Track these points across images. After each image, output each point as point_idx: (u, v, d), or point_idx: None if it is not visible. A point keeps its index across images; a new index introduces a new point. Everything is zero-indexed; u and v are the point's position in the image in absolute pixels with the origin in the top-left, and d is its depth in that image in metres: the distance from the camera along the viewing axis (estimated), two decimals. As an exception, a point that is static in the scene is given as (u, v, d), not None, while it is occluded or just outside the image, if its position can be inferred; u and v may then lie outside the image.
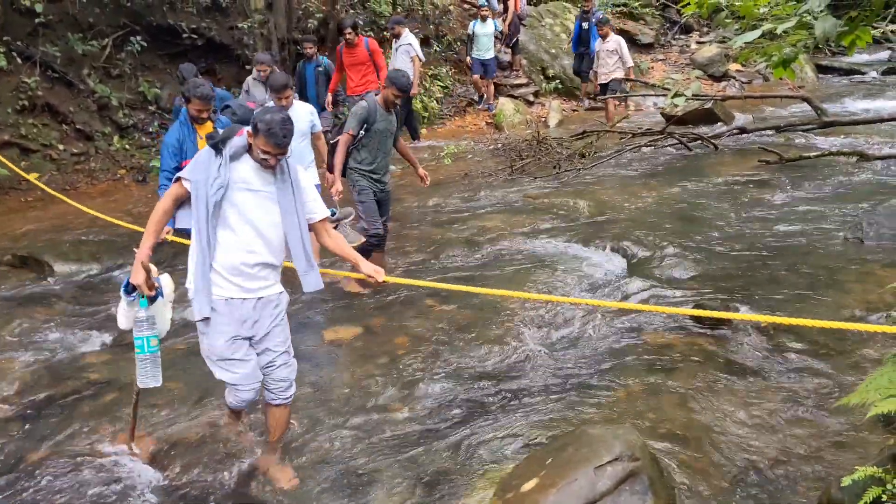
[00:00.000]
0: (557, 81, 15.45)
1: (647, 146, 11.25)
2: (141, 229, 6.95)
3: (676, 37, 19.37)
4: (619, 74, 12.43)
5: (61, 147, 10.83)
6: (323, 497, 3.80)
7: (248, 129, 3.61)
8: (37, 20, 10.72)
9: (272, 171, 3.68)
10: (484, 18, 13.74)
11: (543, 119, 14.07)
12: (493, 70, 14.36)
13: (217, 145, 3.60)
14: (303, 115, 6.44)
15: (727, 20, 4.24)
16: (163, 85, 12.00)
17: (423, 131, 13.48)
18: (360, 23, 11.26)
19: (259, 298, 3.77)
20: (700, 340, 5.14)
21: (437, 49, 15.09)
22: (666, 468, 3.61)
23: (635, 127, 12.39)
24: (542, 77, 15.52)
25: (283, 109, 6.17)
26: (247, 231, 3.67)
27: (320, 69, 10.33)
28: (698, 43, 18.65)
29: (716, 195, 8.68)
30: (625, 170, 10.32)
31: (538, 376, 4.82)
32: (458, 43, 15.53)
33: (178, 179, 3.66)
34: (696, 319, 5.37)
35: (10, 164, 9.42)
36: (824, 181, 8.98)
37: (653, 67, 17.21)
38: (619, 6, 18.36)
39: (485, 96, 14.53)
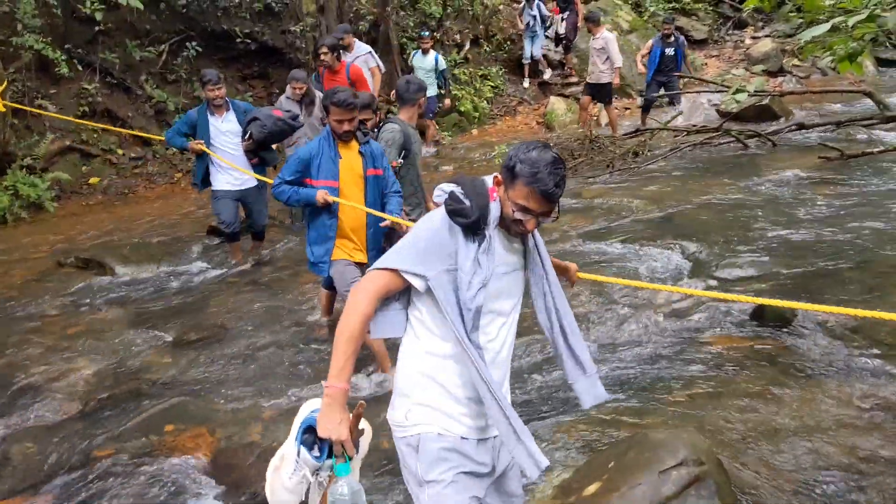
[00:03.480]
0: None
1: (702, 144, 11.06)
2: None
3: (730, 32, 19.01)
4: (608, 79, 11.72)
5: (120, 152, 11.07)
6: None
7: (495, 175, 2.43)
8: (96, 28, 10.98)
9: (521, 240, 2.52)
10: (425, 51, 11.80)
11: (595, 118, 13.93)
12: (433, 109, 12.20)
13: (478, 224, 2.32)
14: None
15: (791, 13, 4.11)
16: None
17: (474, 131, 13.46)
18: (342, 43, 9.50)
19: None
20: (764, 342, 5.01)
21: (487, 49, 15.05)
22: (731, 474, 3.53)
23: (690, 124, 12.19)
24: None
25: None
26: (501, 334, 2.48)
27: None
28: (753, 38, 18.28)
29: (775, 193, 8.48)
30: (680, 168, 10.15)
31: (603, 376, 4.75)
32: (508, 42, 15.46)
33: (387, 271, 2.34)
34: (760, 321, 5.25)
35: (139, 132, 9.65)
36: (888, 178, 8.70)
37: (706, 64, 16.91)
38: (671, 2, 18.10)
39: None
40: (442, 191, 2.47)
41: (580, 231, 7.62)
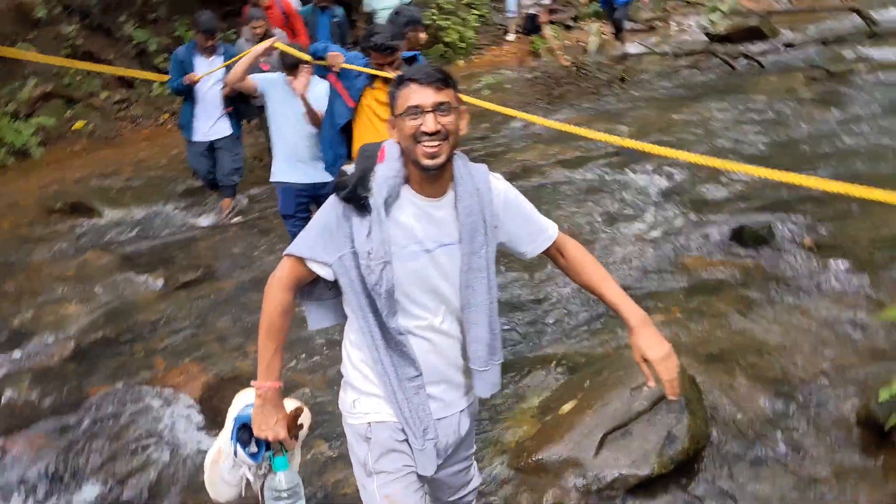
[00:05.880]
0: (597, 4, 15.02)
1: (689, 67, 10.97)
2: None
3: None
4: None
5: (104, 95, 10.97)
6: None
7: (388, 120, 2.11)
8: (72, -32, 10.77)
9: (452, 208, 2.09)
10: None
11: (583, 44, 13.76)
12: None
13: (355, 194, 2.01)
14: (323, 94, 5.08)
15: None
16: (198, 28, 12.00)
17: (460, 62, 13.30)
18: None
19: (461, 411, 2.27)
20: (742, 262, 5.10)
21: (472, -24, 14.76)
22: (704, 390, 3.64)
23: (677, 47, 12.07)
24: (580, 0, 15.12)
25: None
26: (441, 313, 2.14)
27: (336, 20, 8.26)
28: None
29: (760, 114, 8.47)
30: (667, 93, 10.10)
31: (575, 301, 4.85)
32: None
33: (295, 259, 2.11)
34: (739, 242, 5.32)
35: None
36: (876, 95, 8.67)
37: (696, -16, 16.63)
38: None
39: None
40: None
41: (559, 159, 7.62)
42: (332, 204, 2.07)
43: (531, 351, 4.31)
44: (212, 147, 6.86)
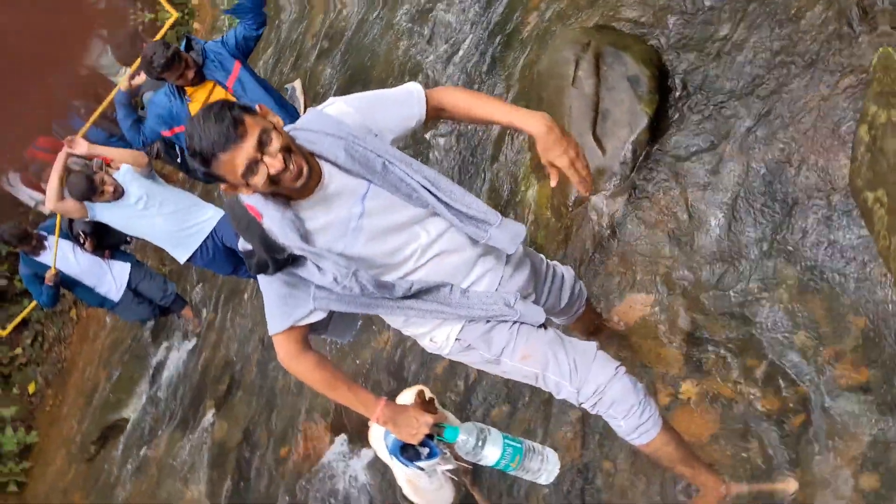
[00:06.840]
0: None
1: None
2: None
3: None
4: None
5: (17, 352, 10.66)
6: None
7: (222, 188, 1.92)
8: None
9: (337, 171, 1.97)
10: None
11: None
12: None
13: (277, 262, 1.94)
14: None
15: None
16: None
17: None
18: None
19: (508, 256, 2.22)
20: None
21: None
22: (630, 22, 3.63)
23: None
24: None
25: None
26: (425, 234, 2.05)
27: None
28: None
29: None
30: None
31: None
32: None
33: (283, 332, 2.05)
34: None
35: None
36: None
37: None
38: None
39: None
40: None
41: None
42: (268, 280, 2.01)
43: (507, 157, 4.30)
44: (131, 289, 6.54)
